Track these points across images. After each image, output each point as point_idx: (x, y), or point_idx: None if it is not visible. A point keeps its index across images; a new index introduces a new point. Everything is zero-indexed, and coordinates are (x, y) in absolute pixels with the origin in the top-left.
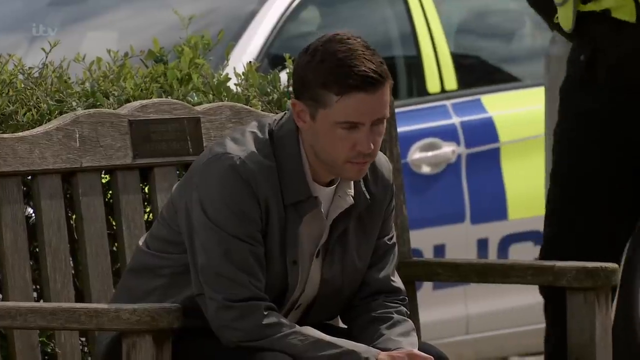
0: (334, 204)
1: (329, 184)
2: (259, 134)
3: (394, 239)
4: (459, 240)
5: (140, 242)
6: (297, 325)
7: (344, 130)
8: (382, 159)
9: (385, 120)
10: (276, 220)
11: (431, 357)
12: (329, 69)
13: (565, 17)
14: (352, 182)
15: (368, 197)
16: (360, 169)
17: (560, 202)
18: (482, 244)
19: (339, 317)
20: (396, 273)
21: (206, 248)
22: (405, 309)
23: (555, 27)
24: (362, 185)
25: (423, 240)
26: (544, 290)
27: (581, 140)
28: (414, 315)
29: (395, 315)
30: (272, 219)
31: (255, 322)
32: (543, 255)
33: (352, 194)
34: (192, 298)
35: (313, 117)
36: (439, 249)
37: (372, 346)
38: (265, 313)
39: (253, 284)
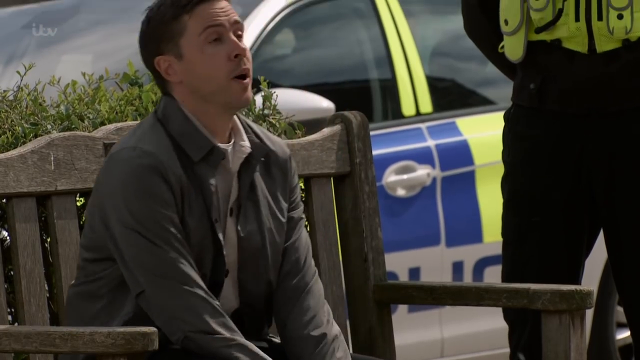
0: (234, 155)
1: (228, 142)
2: (143, 123)
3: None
4: (434, 263)
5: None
6: (241, 338)
7: (211, 45)
8: (275, 137)
9: (243, 29)
10: (193, 187)
11: None
12: (170, 3)
13: (515, 46)
14: (245, 134)
15: (266, 144)
16: (244, 87)
17: (517, 230)
18: (458, 267)
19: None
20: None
21: (136, 249)
22: (328, 307)
23: (495, 57)
24: (254, 136)
25: (398, 263)
26: (509, 317)
27: (533, 168)
28: (389, 338)
29: (330, 335)
30: (189, 189)
31: (203, 315)
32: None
33: (248, 144)
34: (138, 305)
35: (179, 56)
36: (414, 272)
37: None
38: (211, 307)
39: (192, 276)
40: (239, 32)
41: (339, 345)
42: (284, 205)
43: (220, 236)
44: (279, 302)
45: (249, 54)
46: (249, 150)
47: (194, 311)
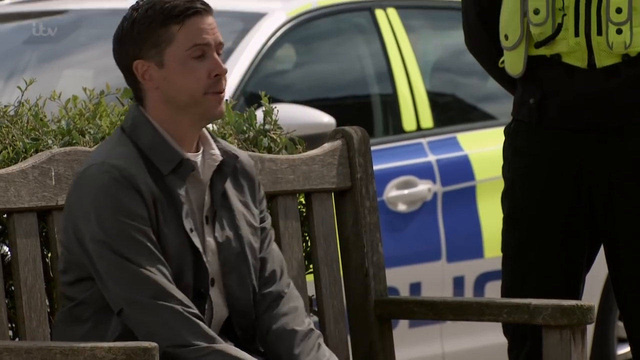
0: (205, 164)
1: (196, 151)
2: (111, 138)
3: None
4: (435, 279)
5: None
6: (221, 343)
7: (194, 60)
8: (237, 149)
9: (222, 49)
10: (165, 198)
11: None
12: (160, 9)
13: (515, 61)
14: (214, 143)
15: (233, 153)
16: (219, 100)
17: (517, 245)
18: (458, 282)
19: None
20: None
21: (109, 265)
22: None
23: (495, 72)
24: (223, 145)
25: (399, 278)
26: (508, 332)
27: (532, 183)
28: (390, 353)
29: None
30: (161, 200)
31: (178, 328)
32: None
33: (218, 153)
34: (122, 324)
35: (160, 64)
36: (415, 287)
37: None
38: (185, 319)
39: (167, 289)
40: (220, 52)
41: (323, 345)
42: (255, 211)
43: (198, 244)
44: (260, 309)
45: (226, 74)
46: (219, 158)
47: (168, 326)
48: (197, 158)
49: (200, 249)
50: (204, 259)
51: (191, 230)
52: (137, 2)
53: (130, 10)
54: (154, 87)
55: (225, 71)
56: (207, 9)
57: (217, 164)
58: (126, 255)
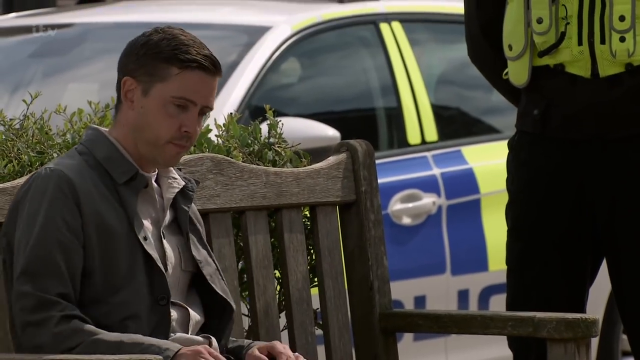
0: (165, 185)
1: (151, 172)
2: (63, 155)
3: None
4: (439, 292)
5: None
6: (99, 332)
7: (175, 107)
8: None
9: (209, 112)
10: (110, 206)
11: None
12: (173, 46)
13: (519, 71)
14: (173, 169)
15: (195, 180)
16: (179, 152)
17: (520, 257)
18: (463, 295)
19: None
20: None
21: (28, 234)
22: None
23: (499, 84)
24: (182, 173)
25: (404, 291)
26: (513, 345)
27: (535, 195)
28: None
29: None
30: (100, 206)
31: (48, 334)
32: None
33: (179, 177)
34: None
35: (145, 93)
36: (420, 300)
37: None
38: (57, 322)
39: (55, 291)
40: (206, 113)
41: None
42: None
43: (153, 253)
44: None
45: (196, 137)
46: (182, 182)
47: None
48: (152, 176)
49: (156, 258)
50: (161, 268)
51: (145, 239)
52: (168, 26)
53: (155, 29)
54: (130, 107)
55: (196, 134)
56: (216, 72)
57: (180, 186)
58: (40, 238)
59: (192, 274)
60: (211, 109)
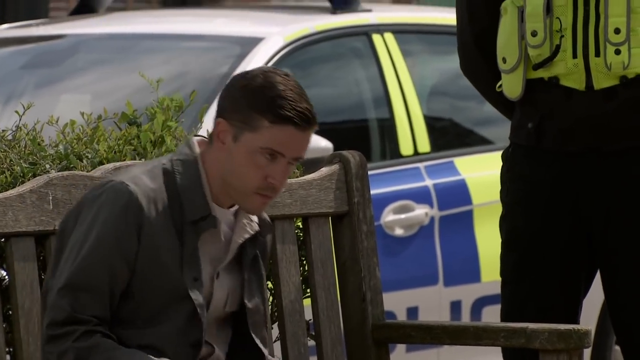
0: (238, 228)
1: (229, 207)
2: (150, 165)
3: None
4: (432, 303)
5: None
6: (118, 348)
7: (263, 158)
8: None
9: (300, 160)
10: (169, 240)
11: None
12: (269, 97)
13: (513, 84)
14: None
15: (269, 222)
16: (264, 203)
17: (515, 269)
18: (456, 307)
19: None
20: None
21: (80, 244)
22: None
23: (491, 96)
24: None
25: (396, 302)
26: (506, 356)
27: (530, 208)
28: None
29: None
30: (160, 239)
31: (67, 346)
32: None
33: (256, 220)
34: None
35: (236, 139)
36: (412, 312)
37: None
38: (79, 336)
39: (90, 313)
40: (294, 163)
41: None
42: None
43: (197, 299)
44: None
45: (282, 188)
46: (256, 228)
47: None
48: (226, 214)
49: (199, 305)
50: (201, 317)
51: (195, 280)
52: (276, 69)
53: (260, 71)
54: (221, 148)
55: (282, 185)
56: (309, 127)
57: (252, 232)
58: (90, 251)
59: (234, 312)
60: (301, 158)
